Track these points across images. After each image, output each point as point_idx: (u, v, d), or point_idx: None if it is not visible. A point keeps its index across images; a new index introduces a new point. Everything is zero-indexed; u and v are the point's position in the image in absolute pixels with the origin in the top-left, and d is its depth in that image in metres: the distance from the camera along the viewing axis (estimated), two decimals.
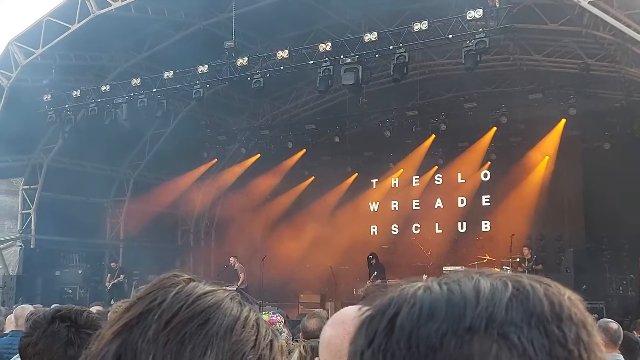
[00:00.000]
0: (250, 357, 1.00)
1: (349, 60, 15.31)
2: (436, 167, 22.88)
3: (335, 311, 19.65)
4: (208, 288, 1.04)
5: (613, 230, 19.16)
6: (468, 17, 13.84)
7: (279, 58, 16.31)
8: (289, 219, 24.39)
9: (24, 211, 21.60)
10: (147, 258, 22.45)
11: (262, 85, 16.68)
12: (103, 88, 18.56)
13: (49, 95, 18.76)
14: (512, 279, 0.78)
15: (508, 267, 17.56)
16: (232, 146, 24.66)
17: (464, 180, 22.73)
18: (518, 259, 18.03)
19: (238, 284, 18.52)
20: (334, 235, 22.21)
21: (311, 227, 23.05)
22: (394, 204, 23.97)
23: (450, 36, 14.50)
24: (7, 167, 21.08)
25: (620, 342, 5.98)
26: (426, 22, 14.47)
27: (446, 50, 18.88)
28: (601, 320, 6.25)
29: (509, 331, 0.72)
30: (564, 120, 19.47)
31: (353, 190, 24.26)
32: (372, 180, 24.24)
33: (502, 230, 20.10)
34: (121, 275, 21.20)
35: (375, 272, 19.14)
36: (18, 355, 2.57)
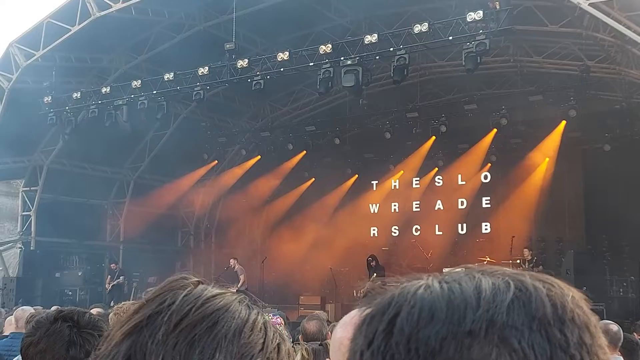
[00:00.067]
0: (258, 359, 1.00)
1: (349, 62, 15.31)
2: (436, 168, 22.88)
3: (335, 313, 19.53)
4: (216, 291, 1.04)
5: (613, 232, 19.17)
6: (468, 19, 13.83)
7: (279, 60, 16.32)
8: (289, 220, 24.41)
9: (24, 213, 21.60)
10: (147, 260, 22.49)
11: (262, 87, 16.68)
12: (103, 90, 18.55)
13: (50, 97, 18.75)
14: (514, 279, 0.76)
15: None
16: (233, 148, 24.67)
17: (464, 182, 22.74)
18: (518, 261, 18.03)
19: (238, 286, 18.51)
20: (334, 237, 22.22)
21: (311, 229, 23.06)
22: (394, 205, 23.98)
23: (450, 38, 14.49)
24: (7, 169, 21.08)
25: (620, 344, 5.99)
26: (426, 23, 14.48)
27: (446, 52, 18.86)
28: (601, 322, 6.26)
29: (509, 335, 0.71)
30: (564, 122, 19.46)
31: (353, 192, 24.27)
32: (372, 182, 24.25)
33: (502, 232, 20.12)
34: (121, 277, 21.19)
35: (375, 274, 19.12)
36: (19, 356, 2.59)
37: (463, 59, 14.48)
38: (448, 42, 14.90)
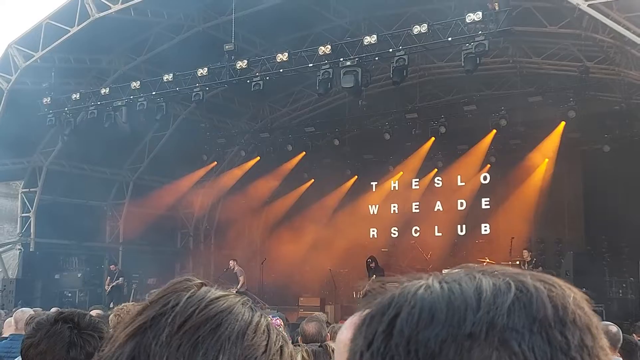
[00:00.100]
0: None
1: (348, 63, 15.31)
2: (436, 169, 22.88)
3: (335, 314, 19.49)
4: (220, 293, 1.05)
5: (613, 233, 19.18)
6: (467, 20, 13.84)
7: (278, 61, 16.32)
8: (288, 222, 24.41)
9: (23, 214, 21.59)
10: (146, 261, 22.49)
11: (261, 88, 16.67)
12: (103, 91, 18.55)
13: (49, 98, 18.74)
14: (515, 279, 0.75)
15: None
16: (232, 149, 24.67)
17: (463, 183, 22.76)
18: (518, 262, 18.02)
19: (238, 287, 18.51)
20: (333, 238, 22.23)
21: (311, 230, 23.07)
22: (394, 206, 23.99)
23: (449, 39, 14.50)
24: (6, 170, 21.08)
25: (619, 345, 5.99)
26: (426, 24, 14.49)
27: (446, 53, 18.87)
28: (601, 323, 6.25)
29: (510, 338, 0.70)
30: (563, 123, 19.47)
31: (353, 193, 24.28)
32: (371, 183, 24.26)
33: (501, 233, 20.14)
34: (120, 278, 21.18)
35: (375, 276, 19.12)
36: (19, 358, 2.59)
37: (462, 59, 14.48)
38: (447, 43, 14.92)
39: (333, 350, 4.09)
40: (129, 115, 18.51)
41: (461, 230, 22.52)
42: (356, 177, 24.27)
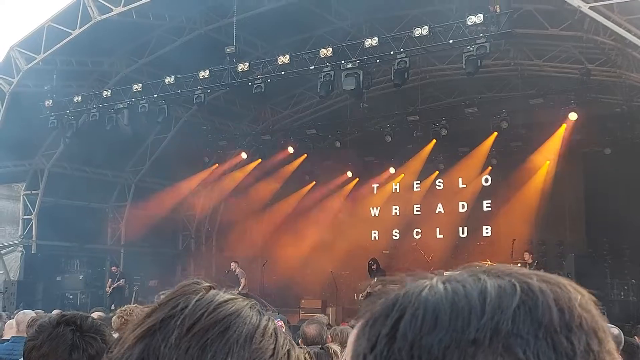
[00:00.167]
0: None
1: (349, 66, 15.31)
2: (437, 172, 22.88)
3: (336, 317, 19.50)
4: (228, 296, 1.05)
5: (614, 235, 19.16)
6: (469, 22, 13.83)
7: (280, 63, 16.33)
8: (290, 224, 24.40)
9: (25, 216, 21.60)
10: (148, 263, 22.50)
11: (263, 90, 16.67)
12: (104, 93, 18.57)
13: (50, 101, 18.75)
14: (520, 280, 0.74)
15: None
16: (233, 151, 24.66)
17: (465, 185, 22.75)
18: (519, 264, 18.01)
19: (239, 290, 18.50)
20: (334, 240, 22.22)
21: (312, 232, 23.06)
22: (395, 209, 23.98)
23: (451, 41, 14.49)
24: (8, 173, 21.10)
25: (621, 347, 5.99)
26: (427, 27, 14.48)
27: (447, 55, 18.87)
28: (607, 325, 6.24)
29: (514, 344, 0.69)
30: (564, 125, 19.47)
31: (354, 195, 24.27)
32: (373, 185, 24.27)
33: (503, 235, 20.13)
34: (122, 280, 21.18)
35: (376, 278, 19.11)
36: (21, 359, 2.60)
37: (463, 62, 14.47)
38: (448, 46, 14.91)
39: (335, 353, 4.09)
40: (131, 118, 18.50)
41: (462, 233, 22.51)
42: (357, 179, 24.27)
